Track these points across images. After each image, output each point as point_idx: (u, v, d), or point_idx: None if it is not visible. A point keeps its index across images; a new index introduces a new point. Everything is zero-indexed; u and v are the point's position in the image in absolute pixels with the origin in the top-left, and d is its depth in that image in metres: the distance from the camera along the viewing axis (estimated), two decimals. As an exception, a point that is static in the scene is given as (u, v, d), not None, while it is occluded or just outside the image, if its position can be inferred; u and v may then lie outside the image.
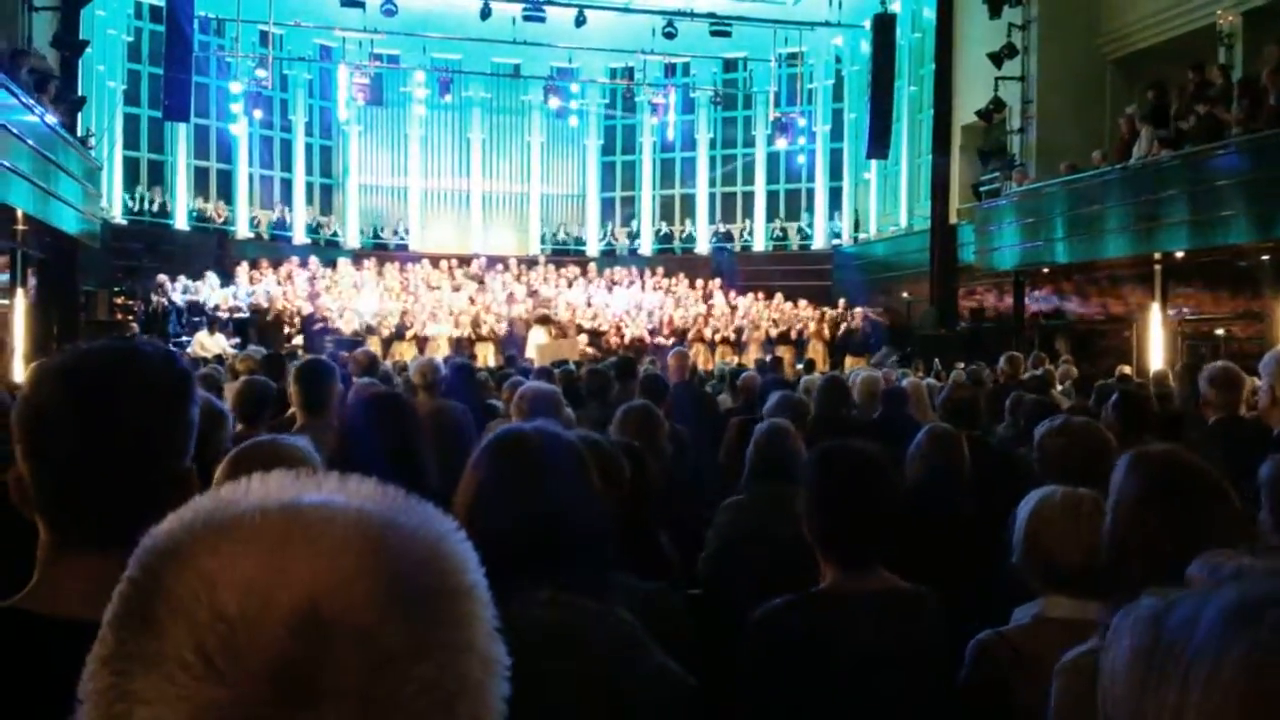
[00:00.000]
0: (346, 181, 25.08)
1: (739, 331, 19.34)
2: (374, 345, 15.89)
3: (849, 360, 17.81)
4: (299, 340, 17.26)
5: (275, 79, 22.56)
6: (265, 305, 17.84)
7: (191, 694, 0.54)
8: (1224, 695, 0.56)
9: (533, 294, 20.06)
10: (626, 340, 18.69)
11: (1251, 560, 1.24)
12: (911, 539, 2.72)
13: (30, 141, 11.68)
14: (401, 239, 24.90)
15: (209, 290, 17.81)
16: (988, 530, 2.94)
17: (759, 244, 25.64)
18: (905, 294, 20.06)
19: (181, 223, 22.02)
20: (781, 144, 24.24)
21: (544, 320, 18.42)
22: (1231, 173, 11.81)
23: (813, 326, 19.56)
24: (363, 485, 0.64)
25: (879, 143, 20.43)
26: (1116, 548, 1.99)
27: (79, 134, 15.45)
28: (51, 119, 12.80)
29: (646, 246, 26.14)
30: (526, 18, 21.22)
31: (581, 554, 1.66)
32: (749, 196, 26.05)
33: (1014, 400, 5.92)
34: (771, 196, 25.95)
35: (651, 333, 19.21)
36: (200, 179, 22.85)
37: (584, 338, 18.40)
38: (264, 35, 22.22)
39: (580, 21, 21.23)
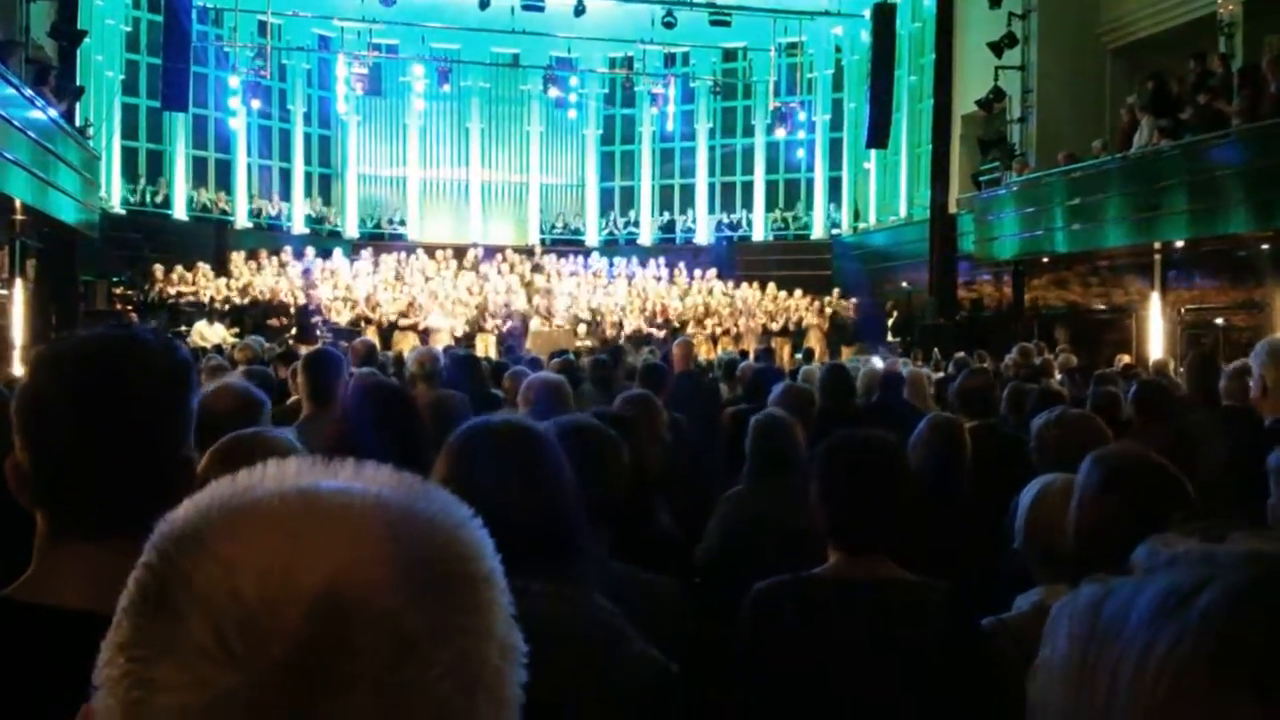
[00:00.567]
0: (345, 172, 25.05)
1: (738, 320, 19.32)
2: (371, 334, 15.87)
3: (844, 350, 17.83)
4: (294, 331, 17.21)
5: (274, 69, 22.50)
6: (266, 296, 17.80)
7: (210, 679, 0.53)
8: (1152, 684, 0.56)
9: (527, 285, 19.99)
10: (627, 331, 18.64)
11: (1193, 545, 1.23)
12: (915, 527, 2.73)
13: (29, 132, 11.66)
14: (397, 230, 24.83)
15: (204, 280, 17.75)
16: (991, 518, 2.94)
17: (758, 234, 25.63)
18: (905, 283, 20.05)
19: (180, 213, 22.00)
20: (781, 134, 24.21)
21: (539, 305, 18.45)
22: (1231, 163, 11.80)
23: (811, 318, 19.53)
24: (380, 472, 0.63)
25: (879, 132, 20.35)
26: (1080, 536, 2.13)
27: (77, 124, 15.42)
28: (50, 110, 12.77)
29: (646, 236, 26.12)
30: (525, 7, 21.16)
31: (552, 543, 1.63)
32: (748, 186, 26.04)
33: (1014, 390, 5.90)
34: (771, 186, 25.93)
35: (649, 321, 19.16)
36: (199, 169, 22.83)
37: (582, 328, 18.39)
38: (262, 25, 22.15)
39: (579, 11, 21.11)
